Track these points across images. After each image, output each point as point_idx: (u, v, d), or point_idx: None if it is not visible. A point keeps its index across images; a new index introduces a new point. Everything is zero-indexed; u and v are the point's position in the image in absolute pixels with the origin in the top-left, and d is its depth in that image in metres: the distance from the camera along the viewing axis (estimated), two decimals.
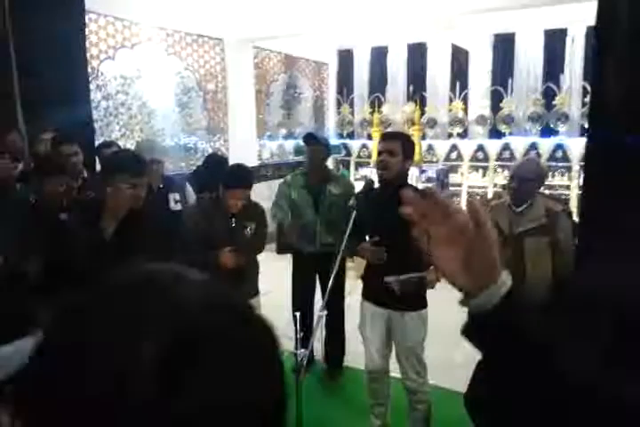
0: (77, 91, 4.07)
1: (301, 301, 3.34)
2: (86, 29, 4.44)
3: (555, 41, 6.92)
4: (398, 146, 2.44)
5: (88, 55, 4.55)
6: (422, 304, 2.54)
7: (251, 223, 2.71)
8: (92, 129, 4.26)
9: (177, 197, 3.06)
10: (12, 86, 4.08)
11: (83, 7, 4.10)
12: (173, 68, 5.77)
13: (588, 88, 4.77)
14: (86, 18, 4.41)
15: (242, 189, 2.66)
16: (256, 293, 2.90)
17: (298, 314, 2.15)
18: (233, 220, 2.68)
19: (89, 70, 4.54)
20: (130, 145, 5.09)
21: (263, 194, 5.89)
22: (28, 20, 4.00)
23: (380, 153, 2.47)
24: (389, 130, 7.87)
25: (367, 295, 2.65)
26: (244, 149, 6.74)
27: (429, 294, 2.57)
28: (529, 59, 7.11)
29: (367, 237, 2.57)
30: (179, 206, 3.04)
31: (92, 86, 4.67)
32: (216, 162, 3.61)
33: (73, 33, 4.06)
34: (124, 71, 5.18)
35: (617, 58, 2.82)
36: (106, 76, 5.01)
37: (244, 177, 2.71)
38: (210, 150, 6.32)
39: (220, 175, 2.74)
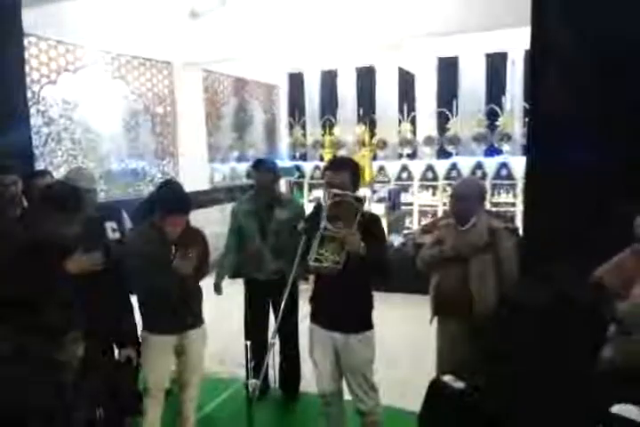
0: (16, 116, 3.91)
1: (254, 328, 3.26)
2: (26, 53, 4.31)
3: (496, 64, 7.25)
4: (347, 177, 2.38)
5: (28, 80, 4.42)
6: (368, 326, 2.52)
7: (192, 250, 2.61)
8: (31, 156, 4.10)
9: (114, 225, 2.93)
10: None
11: (21, 30, 3.98)
12: (119, 91, 5.66)
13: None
14: (26, 41, 4.29)
15: (179, 216, 2.56)
16: (200, 322, 2.78)
17: (248, 343, 2.09)
18: (173, 247, 2.60)
19: (29, 95, 4.40)
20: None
21: (215, 218, 5.83)
22: None
23: (329, 185, 2.38)
24: (341, 152, 7.98)
25: (314, 318, 2.62)
26: (194, 172, 6.65)
27: (378, 314, 2.57)
28: (472, 81, 7.40)
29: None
30: (117, 235, 2.92)
31: (32, 111, 4.52)
32: (169, 188, 3.46)
33: (11, 57, 3.93)
34: (67, 96, 5.04)
35: (551, 80, 2.97)
36: (47, 100, 4.86)
37: (180, 203, 2.61)
38: (159, 175, 6.21)
39: (154, 199, 2.65)
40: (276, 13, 5.53)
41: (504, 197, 6.98)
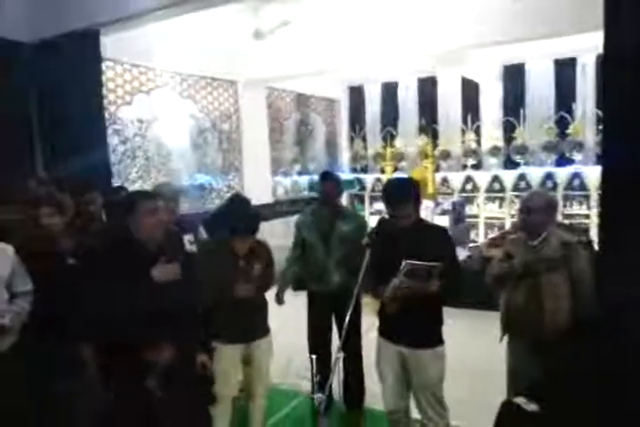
0: (95, 136, 4.19)
1: (318, 341, 3.27)
2: (103, 77, 4.60)
3: (565, 70, 6.97)
4: (410, 207, 2.39)
5: (105, 101, 4.71)
6: (438, 341, 2.47)
7: (258, 263, 2.72)
8: (109, 173, 4.35)
9: (191, 238, 3.06)
10: (31, 135, 4.23)
11: (99, 56, 4.26)
12: (188, 110, 5.93)
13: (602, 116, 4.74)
14: (103, 66, 4.58)
15: (249, 235, 2.74)
16: (267, 332, 2.86)
17: (314, 357, 2.11)
18: (241, 261, 2.71)
19: (106, 116, 4.68)
20: (146, 186, 5.19)
21: (278, 230, 5.91)
22: (47, 71, 4.17)
23: (393, 216, 2.41)
24: (402, 164, 7.92)
25: (382, 331, 2.59)
26: (258, 186, 6.81)
27: (447, 329, 2.51)
28: (540, 88, 7.15)
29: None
30: (193, 248, 3.04)
31: (109, 131, 4.80)
32: (240, 207, 3.63)
33: (90, 81, 4.22)
34: (141, 115, 5.33)
35: (625, 85, 2.81)
36: (123, 120, 5.16)
37: (250, 224, 2.76)
38: (225, 189, 6.41)
39: (223, 217, 2.80)
40: (335, 29, 5.61)
41: (577, 209, 6.65)
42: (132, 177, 5.24)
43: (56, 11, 4.21)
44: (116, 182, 4.68)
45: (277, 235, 5.30)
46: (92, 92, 4.25)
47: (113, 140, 4.98)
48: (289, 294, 3.46)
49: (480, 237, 7.22)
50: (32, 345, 2.35)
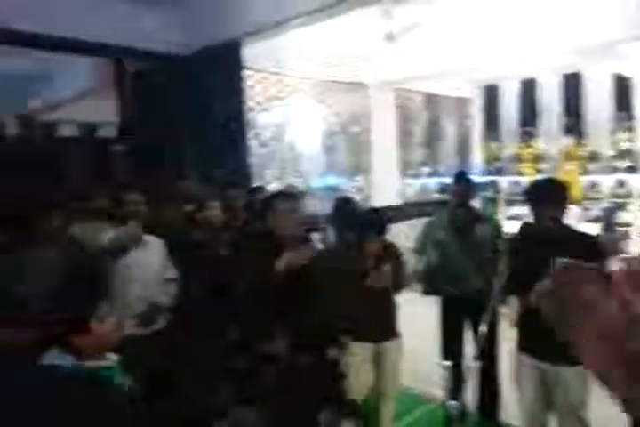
0: (237, 140, 4.49)
1: (450, 348, 3.15)
2: (244, 84, 4.89)
3: None
4: (556, 210, 2.27)
5: (246, 107, 5.01)
6: None
7: (388, 264, 2.69)
8: (249, 174, 4.64)
9: (320, 237, 3.15)
10: (182, 140, 4.65)
11: (241, 65, 4.55)
12: (320, 114, 6.11)
13: None
14: (244, 74, 4.87)
15: (378, 238, 2.74)
16: (396, 334, 2.83)
17: (448, 364, 2.03)
18: (370, 262, 2.72)
19: (247, 121, 4.98)
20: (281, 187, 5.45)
21: (406, 233, 5.83)
22: (195, 80, 4.57)
23: (537, 220, 2.31)
24: (543, 166, 7.40)
25: (521, 345, 2.42)
26: (386, 188, 6.79)
27: None
28: None
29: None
30: (322, 246, 3.13)
31: (249, 135, 5.10)
32: (342, 205, 3.74)
33: (234, 90, 4.52)
34: (277, 120, 5.60)
35: None
36: (262, 125, 5.46)
37: (376, 227, 2.77)
38: (353, 190, 6.49)
39: (349, 219, 2.84)
40: (470, 27, 5.38)
41: None
42: (268, 178, 5.54)
43: (202, 24, 4.59)
44: (255, 183, 4.96)
45: (405, 238, 5.24)
46: (235, 98, 4.56)
47: (253, 144, 5.30)
48: (420, 299, 3.39)
49: (635, 247, 6.46)
50: (183, 325, 2.59)
